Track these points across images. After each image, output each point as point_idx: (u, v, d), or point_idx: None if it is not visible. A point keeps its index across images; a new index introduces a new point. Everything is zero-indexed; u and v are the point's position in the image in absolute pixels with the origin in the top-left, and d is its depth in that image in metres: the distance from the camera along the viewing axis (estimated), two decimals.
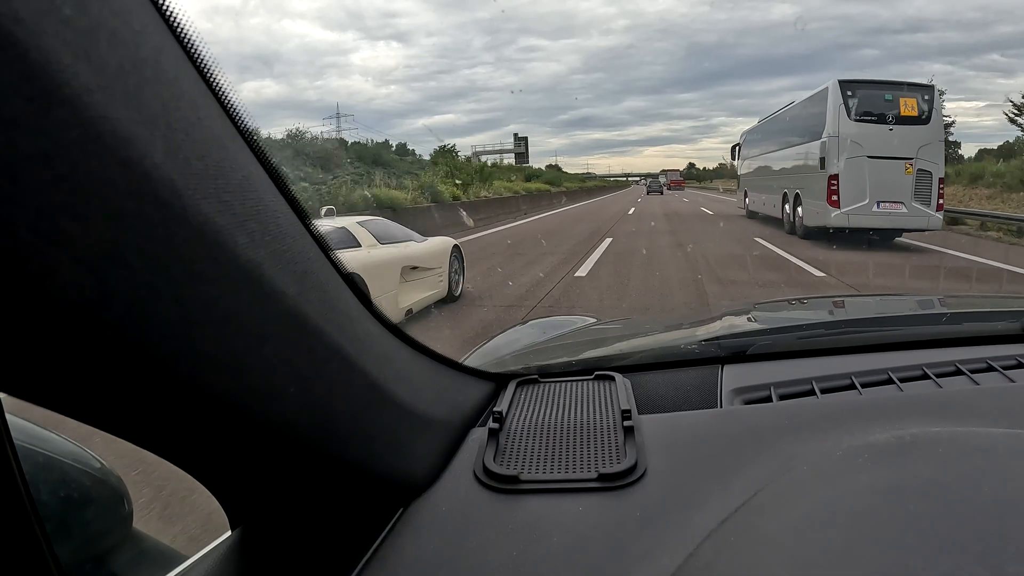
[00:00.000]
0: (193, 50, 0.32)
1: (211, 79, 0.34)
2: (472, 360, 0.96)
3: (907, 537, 0.33)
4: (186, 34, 0.32)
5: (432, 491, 0.53)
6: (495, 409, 0.64)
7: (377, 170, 19.07)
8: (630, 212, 20.52)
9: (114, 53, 0.26)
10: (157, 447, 0.38)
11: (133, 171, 0.26)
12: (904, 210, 9.86)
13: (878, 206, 9.84)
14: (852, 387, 0.72)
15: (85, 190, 0.25)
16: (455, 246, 5.51)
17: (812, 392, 0.71)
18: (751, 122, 17.36)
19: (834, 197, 9.88)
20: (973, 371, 0.72)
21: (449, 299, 5.22)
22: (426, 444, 0.54)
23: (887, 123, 9.93)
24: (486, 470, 0.54)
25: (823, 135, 10.28)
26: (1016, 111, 28.40)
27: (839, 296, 3.54)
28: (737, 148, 18.44)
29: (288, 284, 0.36)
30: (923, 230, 10.10)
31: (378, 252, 4.35)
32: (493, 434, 0.59)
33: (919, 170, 9.87)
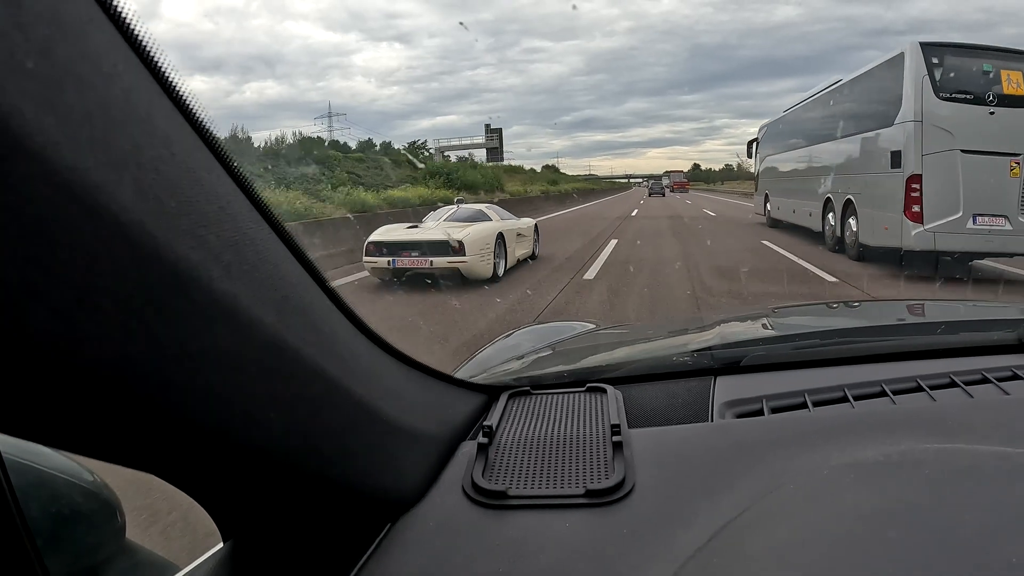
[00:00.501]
0: (168, 84, 0.32)
1: (188, 111, 0.33)
2: (466, 370, 1.00)
3: (886, 566, 0.33)
4: (160, 67, 0.31)
5: (420, 506, 0.53)
6: (485, 423, 0.64)
7: (363, 171, 17.94)
8: (633, 214, 18.24)
9: (81, 100, 0.26)
10: (143, 468, 0.38)
11: (101, 218, 0.26)
12: (1008, 227, 6.97)
13: (974, 221, 6.94)
14: (845, 400, 0.71)
15: (53, 241, 0.25)
16: (536, 224, 8.69)
17: (804, 405, 0.70)
18: (755, 124, 14.45)
19: (915, 208, 6.94)
20: (967, 383, 0.72)
21: (533, 256, 8.38)
22: (415, 459, 0.54)
23: (987, 104, 7.02)
24: (474, 485, 0.54)
25: (897, 119, 7.29)
26: None
27: (836, 303, 2.85)
28: (755, 143, 15.45)
29: (266, 312, 0.36)
30: None
31: (503, 224, 7.29)
32: (482, 448, 0.59)
33: None
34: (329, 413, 0.43)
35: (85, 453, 0.35)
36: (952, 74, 7.07)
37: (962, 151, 6.90)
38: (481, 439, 0.60)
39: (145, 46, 0.31)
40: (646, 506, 0.50)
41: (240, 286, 0.34)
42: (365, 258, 6.40)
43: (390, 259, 6.26)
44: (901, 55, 7.33)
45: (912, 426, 0.57)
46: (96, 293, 0.27)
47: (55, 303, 0.26)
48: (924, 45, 7.14)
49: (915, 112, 7.02)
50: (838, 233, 8.92)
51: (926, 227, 6.91)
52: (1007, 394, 0.69)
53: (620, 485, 0.52)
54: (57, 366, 0.27)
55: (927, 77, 7.02)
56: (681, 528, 0.46)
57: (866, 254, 7.97)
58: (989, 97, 7.03)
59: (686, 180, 77.44)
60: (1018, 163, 6.98)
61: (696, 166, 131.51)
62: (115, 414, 0.31)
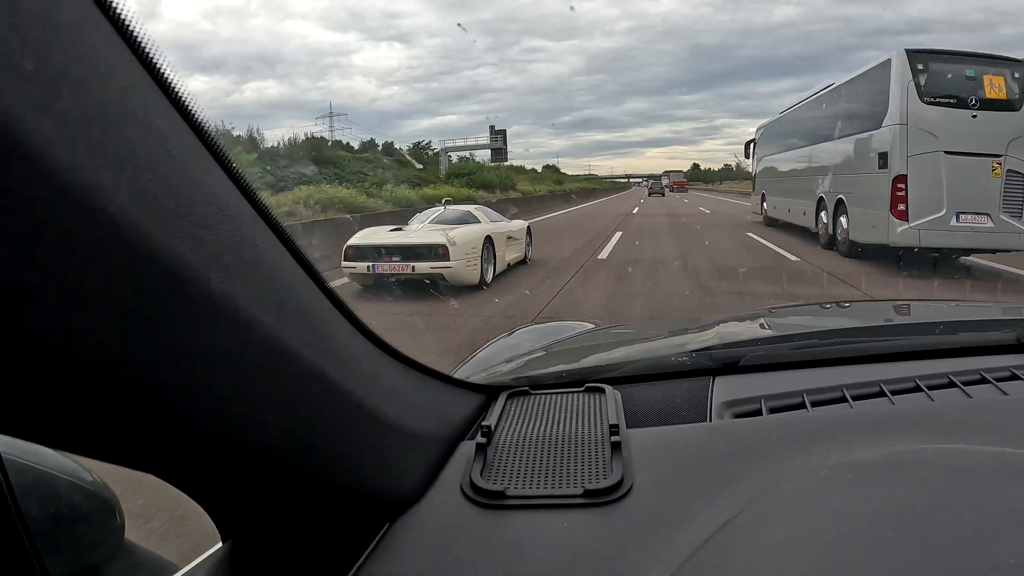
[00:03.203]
0: (166, 84, 0.32)
1: (186, 111, 0.33)
2: (464, 370, 1.00)
3: (884, 566, 0.33)
4: (158, 66, 0.31)
5: (419, 506, 0.53)
6: (484, 423, 0.64)
7: (369, 170, 18.37)
8: (634, 211, 18.63)
9: (77, 102, 0.26)
10: (142, 468, 0.38)
11: (98, 219, 0.26)
12: (990, 224, 7.34)
13: (957, 219, 7.31)
14: (843, 400, 0.71)
15: (49, 243, 0.25)
16: (528, 226, 8.26)
17: (803, 405, 0.70)
18: (754, 123, 14.80)
19: (901, 206, 7.32)
20: (966, 383, 0.72)
21: (524, 261, 7.92)
22: (414, 459, 0.55)
23: (969, 107, 7.39)
24: (473, 485, 0.54)
25: (884, 122, 7.68)
26: None
27: (834, 303, 2.87)
28: (752, 144, 15.81)
29: (265, 313, 0.36)
30: (1012, 250, 7.56)
31: (492, 226, 6.95)
32: (481, 448, 0.59)
33: (1009, 171, 7.33)
34: (328, 414, 0.44)
35: (83, 453, 0.35)
36: (936, 79, 7.44)
37: (945, 152, 7.27)
38: (480, 439, 0.60)
39: (143, 46, 0.31)
40: (644, 506, 0.50)
41: (239, 287, 0.34)
42: (344, 263, 5.94)
43: (370, 264, 5.87)
44: (888, 61, 7.71)
45: (910, 426, 0.56)
46: (93, 294, 0.27)
47: (52, 304, 0.26)
48: (910, 52, 7.51)
49: (901, 115, 7.39)
50: (830, 231, 9.29)
51: (911, 224, 7.29)
52: (1006, 394, 0.69)
53: (618, 485, 0.52)
54: (54, 367, 0.27)
55: (912, 82, 7.40)
56: (679, 528, 0.46)
57: (855, 251, 8.34)
58: (972, 101, 7.40)
59: (685, 180, 77.74)
60: (999, 164, 7.36)
61: (696, 166, 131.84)
62: (112, 415, 0.31)
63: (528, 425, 0.65)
